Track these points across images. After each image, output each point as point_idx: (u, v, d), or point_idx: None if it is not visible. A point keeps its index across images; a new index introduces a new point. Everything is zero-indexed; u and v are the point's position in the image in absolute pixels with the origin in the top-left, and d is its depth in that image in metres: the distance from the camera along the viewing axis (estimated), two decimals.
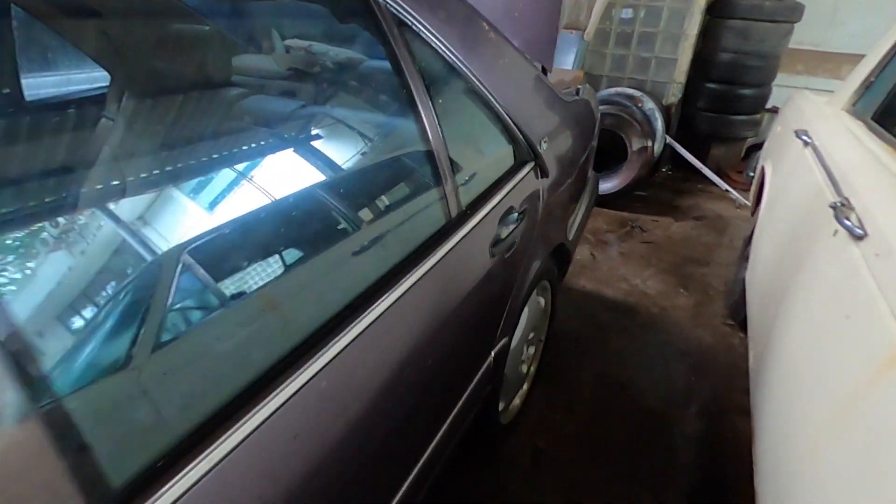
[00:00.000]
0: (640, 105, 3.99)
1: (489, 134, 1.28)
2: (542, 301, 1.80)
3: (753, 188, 2.80)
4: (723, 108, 4.26)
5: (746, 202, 3.92)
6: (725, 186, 4.08)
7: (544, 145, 1.42)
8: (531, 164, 1.37)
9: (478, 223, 1.07)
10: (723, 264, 3.10)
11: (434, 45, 1.04)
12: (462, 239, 1.01)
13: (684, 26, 4.03)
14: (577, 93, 1.96)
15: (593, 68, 4.50)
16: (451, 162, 1.04)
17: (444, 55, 1.07)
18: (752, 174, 3.00)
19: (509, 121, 1.27)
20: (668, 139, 4.15)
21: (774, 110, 4.62)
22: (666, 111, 4.22)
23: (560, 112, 1.68)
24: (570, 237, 1.85)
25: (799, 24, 4.04)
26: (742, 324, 2.43)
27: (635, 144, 3.75)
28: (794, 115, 2.35)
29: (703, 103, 4.32)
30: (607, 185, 3.88)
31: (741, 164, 4.68)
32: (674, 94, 4.27)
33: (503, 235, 1.16)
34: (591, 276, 2.92)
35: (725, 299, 2.71)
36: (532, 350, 1.86)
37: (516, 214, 1.23)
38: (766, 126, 4.70)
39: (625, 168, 3.83)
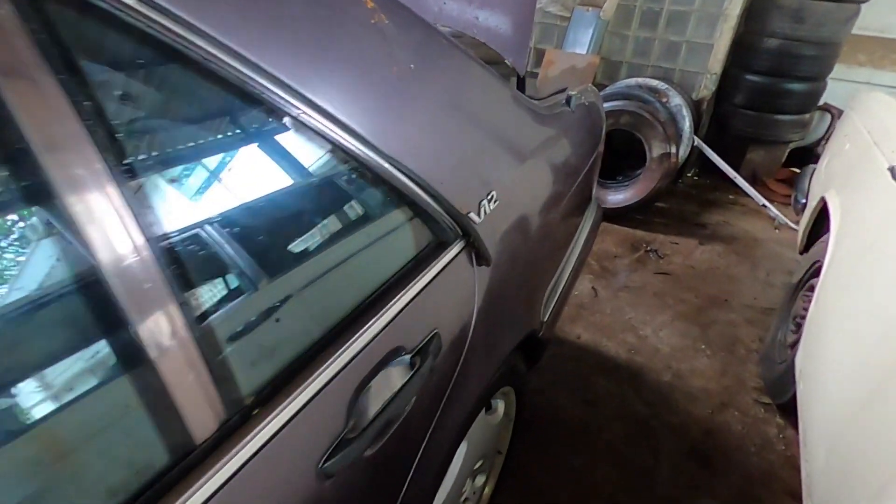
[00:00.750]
0: (664, 101, 3.32)
1: (364, 220, 0.70)
2: (498, 410, 1.23)
3: (805, 222, 2.16)
4: (765, 106, 3.56)
5: (788, 222, 3.26)
6: (762, 200, 3.42)
7: (490, 207, 0.84)
8: (457, 247, 0.79)
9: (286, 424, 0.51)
10: (756, 309, 2.49)
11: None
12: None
13: (724, 5, 3.31)
14: (568, 102, 1.35)
15: (612, 53, 3.82)
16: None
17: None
18: (802, 200, 2.35)
19: (417, 190, 0.69)
20: (697, 141, 3.49)
21: (829, 108, 3.90)
22: (696, 107, 3.54)
23: (536, 137, 1.09)
24: (547, 317, 1.27)
25: (865, 4, 3.30)
26: (785, 408, 1.84)
27: (656, 150, 3.10)
28: (876, 131, 1.71)
29: (741, 99, 3.61)
30: (619, 197, 3.25)
31: (781, 170, 3.99)
32: (706, 88, 3.58)
33: (370, 415, 0.60)
34: (591, 320, 2.34)
35: (760, 366, 2.11)
36: (482, 479, 1.30)
37: (408, 358, 0.66)
38: (816, 127, 3.98)
39: (642, 177, 3.19)
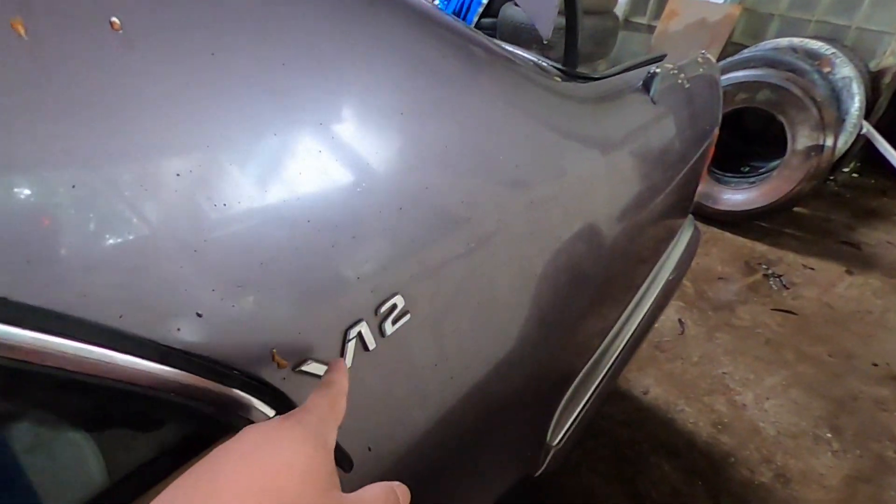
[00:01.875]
0: (826, 71, 2.44)
1: None
2: None
3: None
4: None
5: None
6: None
7: (383, 329, 0.40)
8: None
9: None
10: None
11: None
12: None
13: None
14: (647, 86, 0.80)
15: (759, 3, 2.92)
16: None
17: None
18: None
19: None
20: (866, 128, 2.57)
21: None
22: (872, 81, 2.60)
23: (556, 149, 0.61)
24: (561, 441, 0.79)
25: None
26: None
27: (802, 140, 2.29)
28: None
29: None
30: (739, 198, 2.51)
31: None
32: (893, 54, 2.60)
33: None
34: (668, 369, 1.77)
35: None
36: None
37: None
38: None
39: (776, 174, 2.41)
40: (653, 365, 1.79)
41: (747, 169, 2.65)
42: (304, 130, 0.37)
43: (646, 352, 1.82)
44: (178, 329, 0.31)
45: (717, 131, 1.14)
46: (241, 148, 0.34)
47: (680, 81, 0.92)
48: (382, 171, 0.41)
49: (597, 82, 0.77)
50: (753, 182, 2.50)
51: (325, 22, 0.39)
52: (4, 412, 0.28)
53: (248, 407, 0.34)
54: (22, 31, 0.26)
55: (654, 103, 0.80)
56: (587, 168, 0.67)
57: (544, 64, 0.77)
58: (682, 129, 0.96)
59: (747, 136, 2.80)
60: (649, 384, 1.72)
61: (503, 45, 0.75)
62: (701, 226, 2.50)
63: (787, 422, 1.60)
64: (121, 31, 0.29)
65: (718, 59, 2.86)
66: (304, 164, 0.36)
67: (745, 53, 2.69)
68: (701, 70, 1.05)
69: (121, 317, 0.28)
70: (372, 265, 0.40)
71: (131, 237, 0.29)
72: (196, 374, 0.31)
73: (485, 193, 0.51)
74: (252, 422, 0.35)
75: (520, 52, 0.80)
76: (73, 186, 0.27)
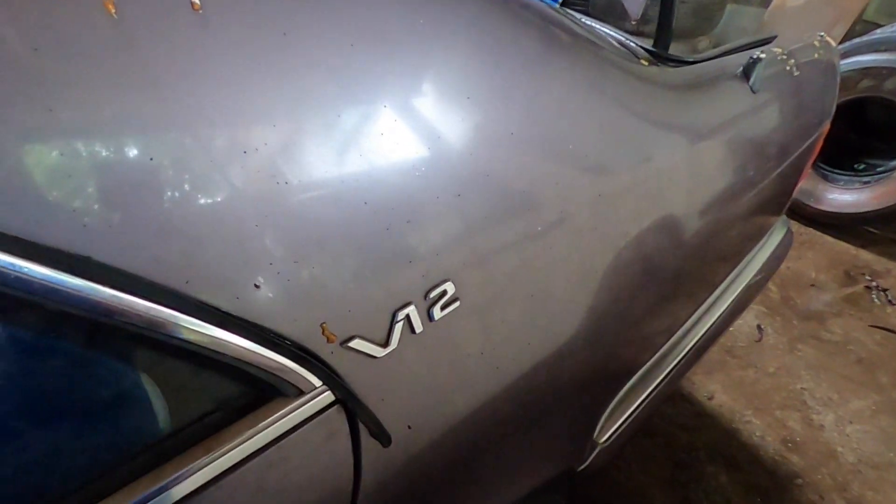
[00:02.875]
0: None
1: None
2: None
3: None
4: None
5: None
6: None
7: (432, 314, 0.40)
8: (299, 411, 0.38)
9: None
10: None
11: None
12: None
13: None
14: (748, 73, 0.73)
15: None
16: None
17: None
18: None
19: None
20: None
21: None
22: None
23: (637, 141, 0.58)
24: (610, 439, 0.77)
25: None
26: None
27: None
28: None
29: None
30: (848, 199, 2.25)
31: None
32: None
33: None
34: (738, 376, 1.66)
35: None
36: None
37: None
38: None
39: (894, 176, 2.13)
40: (721, 370, 1.68)
41: (862, 167, 2.35)
42: (367, 112, 0.37)
43: (716, 355, 1.72)
44: (237, 297, 0.33)
45: (827, 124, 1.02)
46: (306, 127, 0.34)
47: (788, 68, 0.83)
48: (443, 156, 0.41)
49: (689, 67, 0.71)
50: (867, 182, 2.23)
51: (395, 3, 0.39)
52: (84, 358, 0.31)
53: (296, 375, 0.36)
54: (112, 11, 0.28)
55: (755, 92, 0.73)
56: (668, 160, 0.63)
57: (632, 45, 0.72)
58: (784, 122, 0.86)
59: (866, 130, 2.48)
60: (715, 389, 1.62)
61: (588, 24, 0.71)
62: (797, 226, 2.29)
63: (871, 450, 1.46)
64: (200, 11, 0.30)
65: (843, 40, 2.53)
66: (365, 145, 0.37)
67: (877, 34, 2.35)
68: (816, 55, 0.93)
69: (187, 282, 0.31)
70: (425, 250, 0.40)
71: (200, 208, 0.31)
72: (250, 340, 0.33)
73: (549, 183, 0.49)
74: (300, 390, 0.37)
75: (608, 30, 0.75)
76: (151, 159, 0.29)
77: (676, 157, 0.65)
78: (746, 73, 0.73)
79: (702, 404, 1.59)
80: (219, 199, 0.31)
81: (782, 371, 1.69)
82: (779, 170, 0.91)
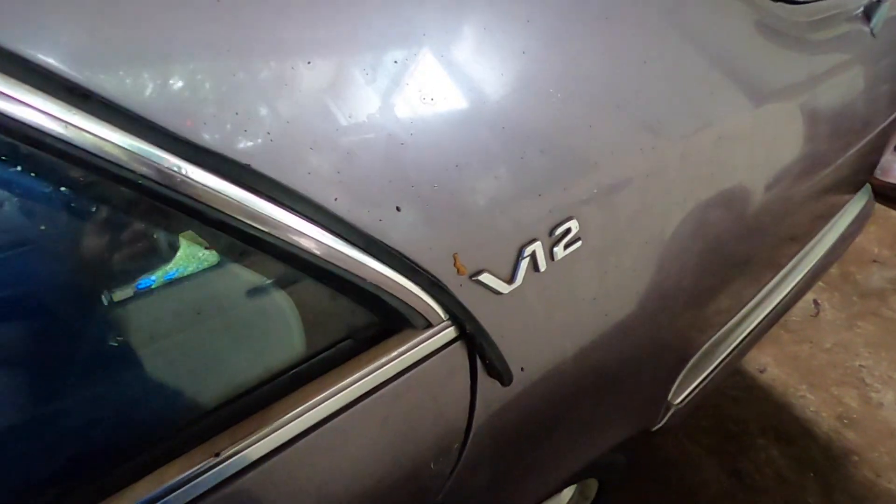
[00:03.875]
0: None
1: None
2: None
3: None
4: None
5: None
6: None
7: (555, 253, 0.39)
8: (428, 343, 0.37)
9: None
10: None
11: None
12: None
13: None
14: (868, 15, 0.66)
15: None
16: None
17: None
18: None
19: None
20: None
21: None
22: None
23: (754, 84, 0.53)
24: (684, 400, 0.76)
25: None
26: None
27: None
28: None
29: None
30: None
31: None
32: None
33: None
34: (793, 351, 1.61)
35: None
36: None
37: None
38: None
39: None
40: (775, 344, 1.64)
41: None
42: (511, 27, 0.34)
43: (776, 329, 1.67)
44: (380, 220, 0.31)
45: None
46: (451, 41, 0.32)
47: None
48: (581, 79, 0.38)
49: (801, 6, 0.65)
50: None
51: None
52: (234, 273, 0.31)
53: (426, 306, 0.35)
54: None
55: (874, 36, 0.66)
56: (761, 116, 0.58)
57: None
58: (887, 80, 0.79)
59: None
60: (767, 363, 1.58)
61: None
62: None
63: None
64: None
65: None
66: (507, 65, 0.34)
67: None
68: None
69: (336, 199, 0.29)
70: (554, 184, 0.38)
71: (352, 120, 0.29)
72: (389, 266, 0.32)
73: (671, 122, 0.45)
74: (429, 322, 0.36)
75: None
76: (309, 63, 0.27)
77: (784, 111, 0.60)
78: (867, 14, 0.66)
79: (753, 377, 1.55)
80: (368, 112, 0.29)
81: (839, 347, 1.63)
82: (873, 134, 0.85)
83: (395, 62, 0.30)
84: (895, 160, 2.17)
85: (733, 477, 1.32)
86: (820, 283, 1.85)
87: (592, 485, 0.87)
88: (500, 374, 0.39)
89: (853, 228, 1.09)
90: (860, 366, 1.58)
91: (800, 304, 1.78)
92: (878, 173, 2.19)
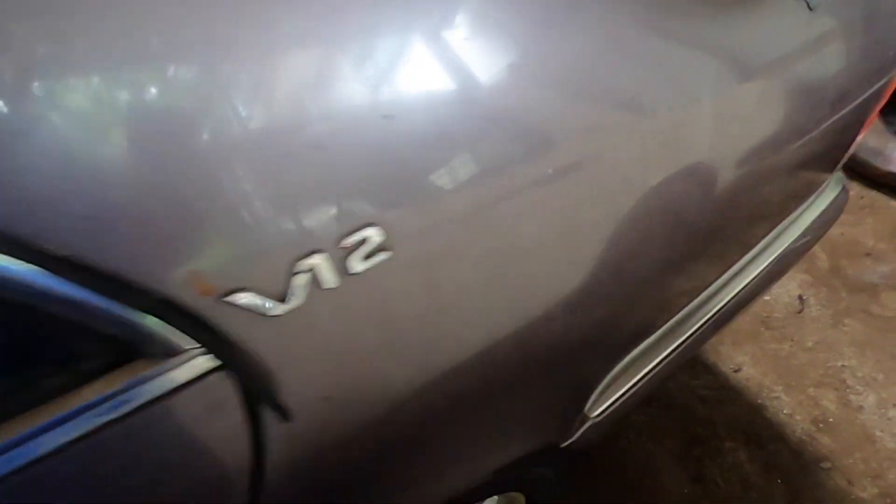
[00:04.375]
0: None
1: None
2: None
3: None
4: None
5: None
6: None
7: (350, 267, 0.32)
8: (184, 370, 0.31)
9: None
10: None
11: None
12: None
13: None
14: None
15: None
16: None
17: None
18: None
19: None
20: None
21: None
22: None
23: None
24: (602, 413, 0.69)
25: None
26: None
27: None
28: None
29: None
30: None
31: None
32: None
33: None
34: (771, 349, 1.53)
35: None
36: None
37: None
38: None
39: None
40: (753, 341, 1.56)
41: None
42: None
43: (748, 325, 1.59)
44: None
45: None
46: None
47: None
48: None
49: None
50: None
51: None
52: None
53: (157, 334, 0.29)
54: None
55: (811, 10, 0.58)
56: (699, 95, 0.51)
57: None
58: (848, 54, 0.71)
59: None
60: (743, 362, 1.50)
61: None
62: (859, 188, 2.05)
63: None
64: None
65: None
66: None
67: None
68: None
69: None
70: (341, 186, 0.32)
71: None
72: (82, 287, 0.26)
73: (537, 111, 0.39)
74: (171, 350, 0.30)
75: None
76: None
77: (712, 92, 0.52)
78: None
79: (726, 377, 1.48)
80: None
81: (822, 346, 1.55)
82: (837, 115, 0.76)
83: None
84: None
85: (696, 483, 1.26)
86: (808, 278, 1.75)
87: (519, 498, 0.81)
88: (285, 407, 0.33)
89: (831, 212, 1.00)
90: (843, 366, 1.50)
91: (784, 299, 1.70)
92: (878, 162, 2.07)
